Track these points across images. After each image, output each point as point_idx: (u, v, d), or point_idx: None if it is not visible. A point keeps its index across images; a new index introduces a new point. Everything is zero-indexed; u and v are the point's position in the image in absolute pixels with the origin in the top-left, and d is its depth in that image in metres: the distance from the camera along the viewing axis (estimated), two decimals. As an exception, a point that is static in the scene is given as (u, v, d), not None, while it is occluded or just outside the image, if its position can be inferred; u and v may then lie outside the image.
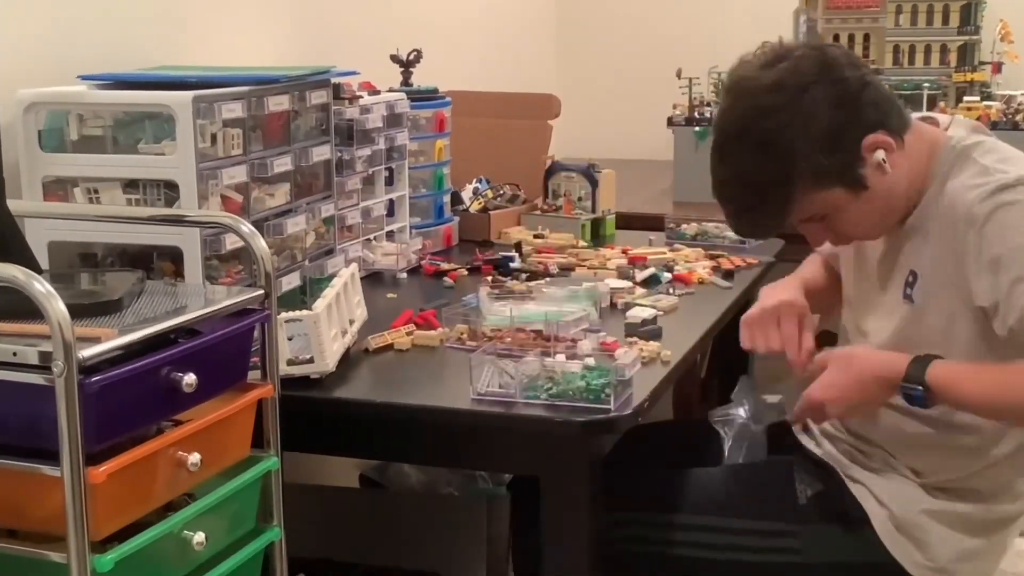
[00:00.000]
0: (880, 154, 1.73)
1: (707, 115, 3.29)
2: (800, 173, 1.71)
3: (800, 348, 1.86)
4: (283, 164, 2.03)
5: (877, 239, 1.86)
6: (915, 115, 1.85)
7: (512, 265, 2.45)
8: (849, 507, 1.85)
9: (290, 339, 1.77)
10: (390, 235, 2.56)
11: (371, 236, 2.49)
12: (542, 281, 2.32)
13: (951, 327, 1.75)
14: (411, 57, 2.74)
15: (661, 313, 2.10)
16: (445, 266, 2.50)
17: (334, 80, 2.22)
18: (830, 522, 1.85)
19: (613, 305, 2.17)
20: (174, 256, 1.87)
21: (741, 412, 2.03)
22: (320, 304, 1.78)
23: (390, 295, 2.33)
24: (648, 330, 1.97)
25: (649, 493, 1.97)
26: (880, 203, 1.77)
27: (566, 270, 2.46)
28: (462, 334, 1.98)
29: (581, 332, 1.93)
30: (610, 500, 1.80)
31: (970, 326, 1.73)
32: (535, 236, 2.74)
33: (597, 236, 2.84)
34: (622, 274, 2.38)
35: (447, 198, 2.79)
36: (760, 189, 1.74)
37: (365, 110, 2.37)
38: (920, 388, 1.69)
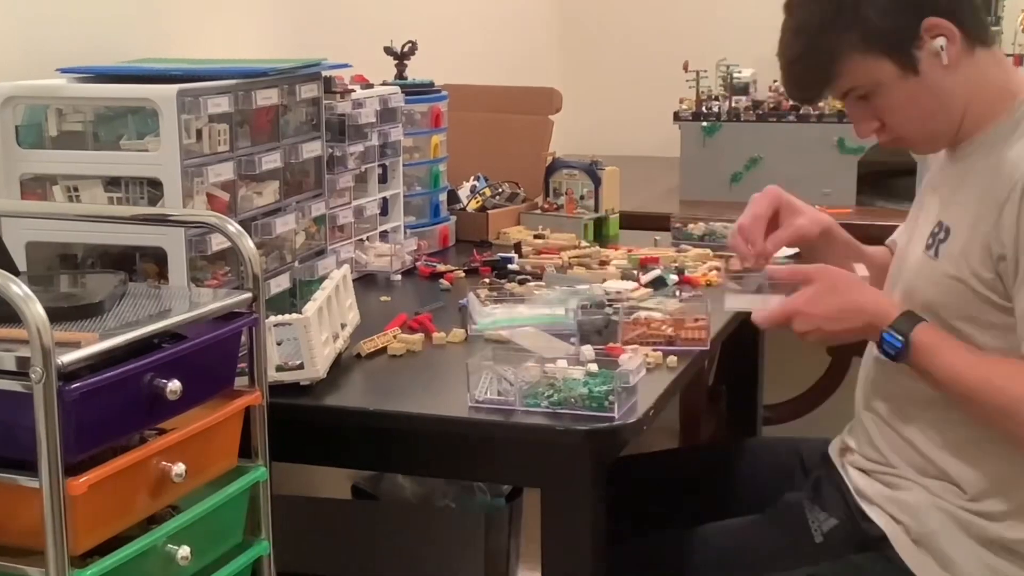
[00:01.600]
0: (940, 41, 1.71)
1: (715, 110, 3.29)
2: (850, 25, 1.71)
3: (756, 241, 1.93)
4: (272, 161, 2.03)
5: (922, 149, 1.85)
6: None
7: (511, 267, 2.44)
8: (866, 530, 1.84)
9: (279, 344, 1.77)
10: (384, 235, 2.56)
11: (364, 236, 2.49)
12: (537, 283, 2.31)
13: (950, 296, 1.73)
14: (406, 49, 2.74)
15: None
16: (441, 268, 2.50)
17: (325, 73, 2.22)
18: (851, 551, 1.84)
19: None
20: (158, 257, 1.87)
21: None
22: (310, 307, 1.78)
23: (383, 298, 2.33)
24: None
25: (656, 560, 1.97)
26: (930, 101, 1.75)
27: (564, 270, 2.45)
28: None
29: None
30: (612, 568, 1.79)
31: (971, 304, 1.71)
32: (535, 236, 2.74)
33: (600, 236, 2.83)
34: (625, 275, 2.37)
35: (443, 197, 2.80)
36: (809, 37, 1.75)
37: (357, 104, 2.37)
38: (902, 340, 1.69)
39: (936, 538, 1.78)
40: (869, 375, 1.92)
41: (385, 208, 2.57)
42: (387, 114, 2.51)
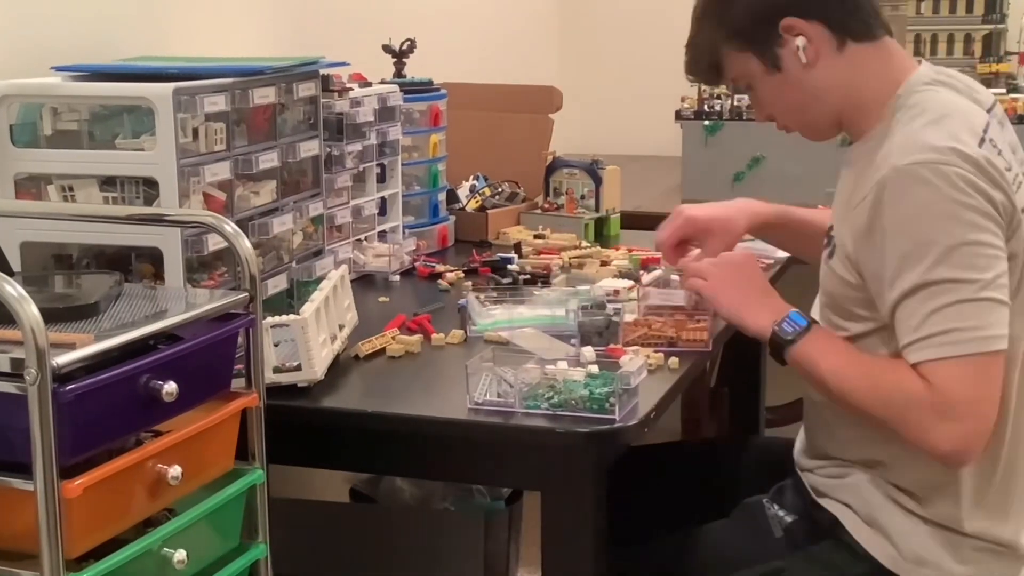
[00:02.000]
0: (800, 41, 1.78)
1: (717, 108, 3.30)
2: (720, 21, 1.83)
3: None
4: (269, 160, 2.03)
5: (811, 138, 1.90)
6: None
7: (511, 267, 2.44)
8: (820, 520, 1.87)
9: (276, 345, 1.77)
10: (382, 235, 2.56)
11: (362, 236, 2.49)
12: (533, 285, 2.31)
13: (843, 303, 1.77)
14: (404, 47, 2.74)
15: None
16: (440, 268, 2.50)
17: (323, 71, 2.22)
18: (810, 542, 1.87)
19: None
20: (154, 257, 1.87)
21: None
22: (308, 308, 1.78)
23: (382, 299, 2.33)
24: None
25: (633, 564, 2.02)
26: (798, 95, 1.82)
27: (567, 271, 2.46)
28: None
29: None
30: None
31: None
32: (535, 236, 2.74)
33: (601, 236, 2.84)
34: (624, 274, 2.37)
35: (442, 196, 2.80)
36: (697, 25, 1.89)
37: (356, 103, 2.37)
38: (807, 320, 1.77)
39: (881, 515, 1.81)
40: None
41: (383, 208, 2.57)
42: (386, 113, 2.51)
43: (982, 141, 1.69)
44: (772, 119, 1.91)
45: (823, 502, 1.88)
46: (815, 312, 1.89)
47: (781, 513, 1.93)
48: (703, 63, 1.90)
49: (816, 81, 1.81)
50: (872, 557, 1.80)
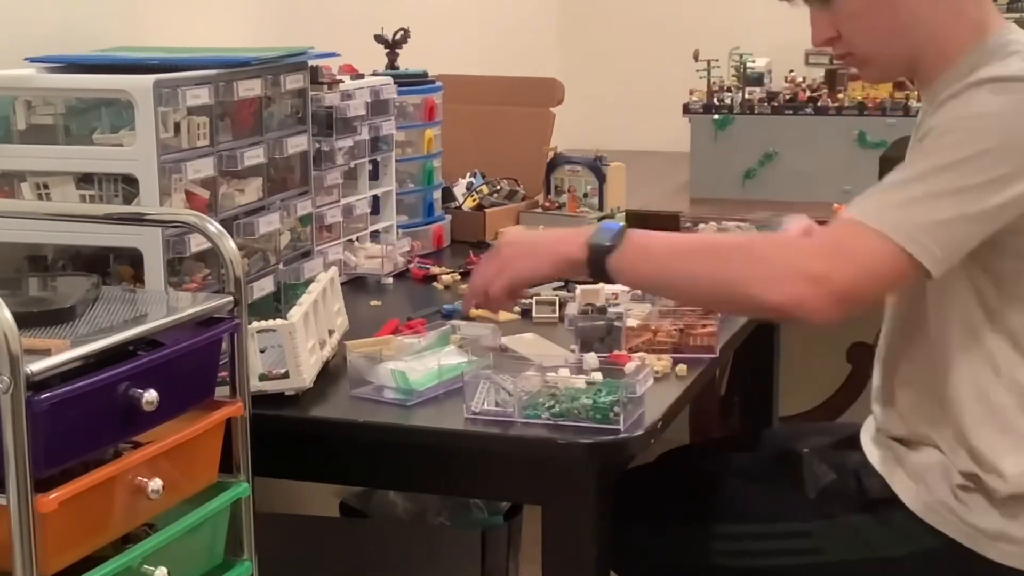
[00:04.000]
0: None
1: (727, 101, 3.30)
2: None
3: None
4: (255, 156, 2.04)
5: (871, 73, 1.88)
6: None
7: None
8: (871, 492, 1.84)
9: (262, 351, 1.77)
10: (374, 235, 2.56)
11: (353, 237, 2.49)
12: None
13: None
14: (397, 37, 2.74)
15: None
16: (435, 270, 2.50)
17: (312, 63, 2.22)
18: (848, 513, 1.84)
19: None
20: (133, 259, 1.87)
21: None
22: (296, 313, 1.78)
23: (374, 302, 2.33)
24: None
25: (659, 509, 2.00)
26: (890, 17, 1.77)
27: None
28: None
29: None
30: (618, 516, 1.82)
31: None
32: (536, 237, 2.74)
33: (605, 236, 2.84)
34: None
35: (437, 194, 2.80)
36: None
37: (347, 96, 2.37)
38: (610, 244, 1.71)
39: (949, 498, 1.78)
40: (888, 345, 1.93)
41: (376, 206, 2.57)
42: (378, 106, 2.51)
43: None
44: (837, 43, 1.84)
45: (881, 469, 1.84)
46: None
47: (821, 471, 1.89)
48: None
49: (911, 8, 1.77)
50: (938, 531, 1.77)
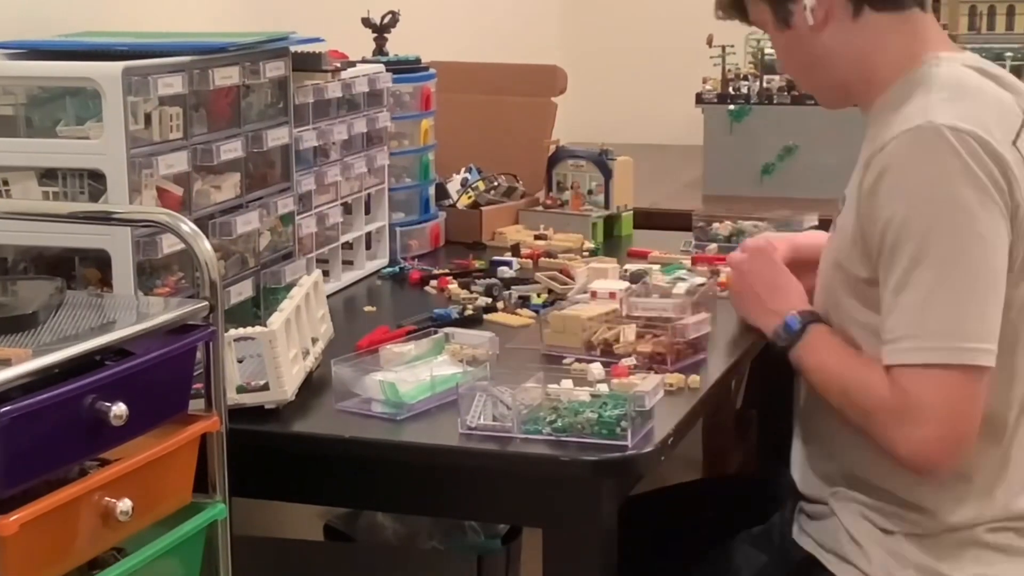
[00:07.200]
0: (809, 1, 1.87)
1: (743, 91, 3.30)
2: None
3: None
4: (232, 150, 2.04)
5: (820, 102, 2.03)
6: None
7: (507, 275, 2.43)
8: (794, 557, 1.93)
9: (240, 361, 1.77)
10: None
11: (350, 239, 2.49)
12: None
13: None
14: (386, 20, 2.74)
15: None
16: (437, 271, 2.49)
17: (295, 48, 2.22)
18: None
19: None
20: (100, 261, 1.87)
21: None
22: (277, 319, 1.78)
23: (368, 308, 2.33)
24: None
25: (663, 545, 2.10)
26: (804, 55, 1.93)
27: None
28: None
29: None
30: None
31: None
32: (536, 237, 2.74)
33: (611, 237, 2.84)
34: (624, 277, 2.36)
35: (433, 189, 2.79)
36: None
37: (346, 86, 2.37)
38: (800, 323, 1.90)
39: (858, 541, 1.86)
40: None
41: (368, 207, 2.56)
42: (372, 97, 2.50)
43: (1017, 138, 1.77)
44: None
45: (799, 539, 1.93)
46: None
47: (753, 553, 1.99)
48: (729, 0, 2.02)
49: (824, 45, 1.90)
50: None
